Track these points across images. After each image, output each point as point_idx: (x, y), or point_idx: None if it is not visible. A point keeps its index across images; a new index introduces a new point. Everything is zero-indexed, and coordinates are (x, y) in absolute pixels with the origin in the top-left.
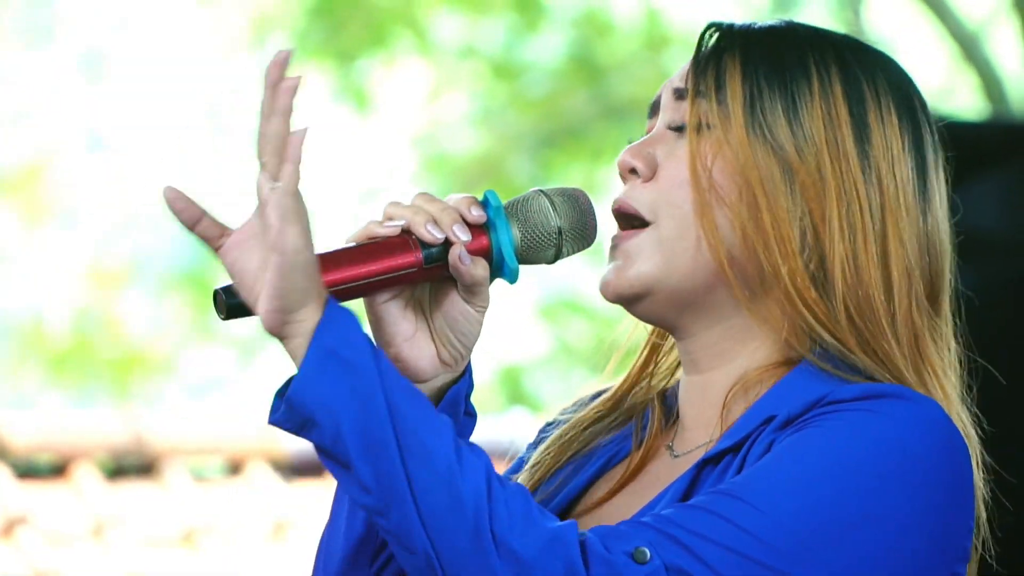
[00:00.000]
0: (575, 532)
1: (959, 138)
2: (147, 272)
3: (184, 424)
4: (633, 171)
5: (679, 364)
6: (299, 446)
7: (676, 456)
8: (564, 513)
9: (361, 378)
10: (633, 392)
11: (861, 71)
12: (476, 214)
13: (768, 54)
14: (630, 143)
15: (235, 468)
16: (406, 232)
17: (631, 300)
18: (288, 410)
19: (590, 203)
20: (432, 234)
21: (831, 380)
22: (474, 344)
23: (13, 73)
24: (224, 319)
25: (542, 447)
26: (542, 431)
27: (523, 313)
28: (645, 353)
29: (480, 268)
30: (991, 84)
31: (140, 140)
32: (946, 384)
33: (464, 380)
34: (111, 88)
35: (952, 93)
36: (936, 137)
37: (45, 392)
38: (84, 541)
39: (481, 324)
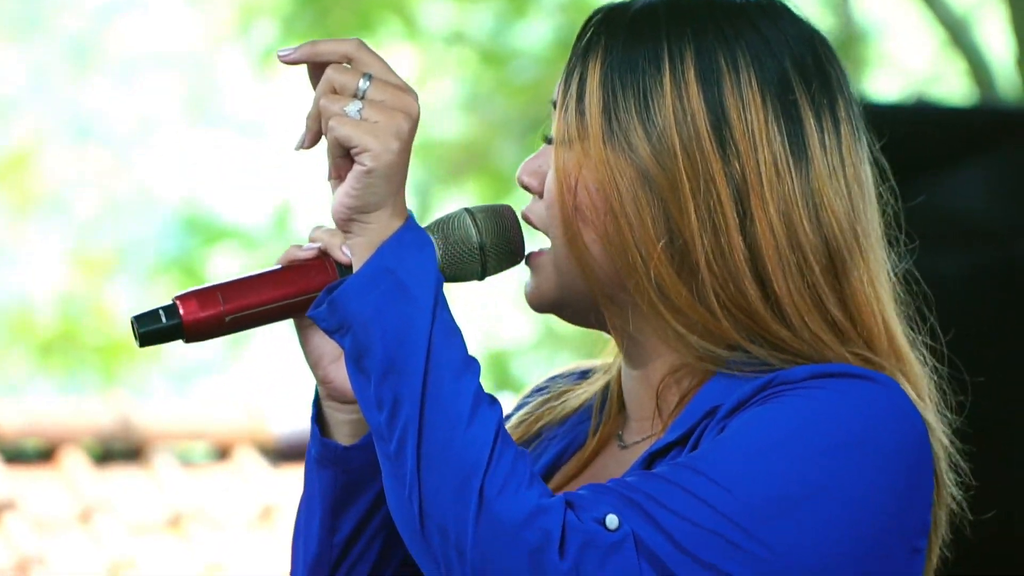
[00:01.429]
0: (561, 506)
1: (948, 124)
2: (134, 259)
3: (171, 410)
4: (527, 187)
5: None
6: (286, 431)
7: (624, 447)
8: None
9: (415, 309)
10: (599, 378)
11: (719, 43)
12: None
13: (625, 48)
14: (547, 139)
15: (222, 453)
16: (323, 254)
17: (550, 311)
18: (329, 310)
19: (516, 219)
20: (346, 255)
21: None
22: None
23: (0, 62)
24: (140, 347)
25: (522, 413)
26: (517, 408)
27: (509, 299)
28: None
29: None
30: (979, 70)
31: (127, 128)
32: (880, 350)
33: None
34: (98, 77)
35: (940, 79)
36: (820, 86)
37: (32, 378)
38: (71, 526)
39: None
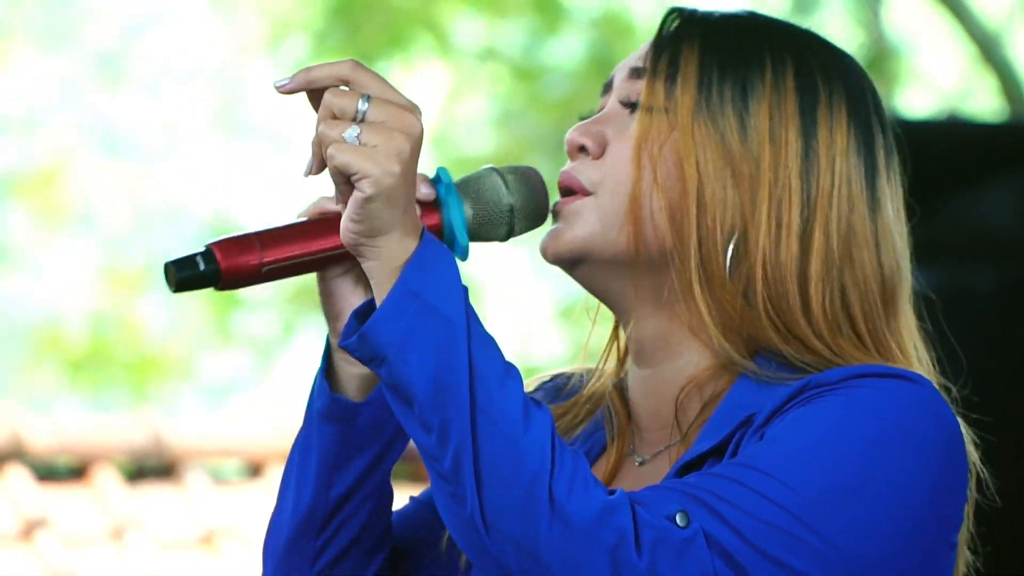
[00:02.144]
0: (627, 503)
1: (979, 140)
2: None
3: (203, 426)
4: (582, 148)
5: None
6: None
7: (642, 463)
8: None
9: (449, 328)
10: (594, 380)
11: (818, 68)
12: (425, 191)
13: (726, 43)
14: (581, 119)
15: (254, 470)
16: None
17: (569, 263)
18: (360, 342)
19: (542, 181)
20: None
21: (790, 376)
22: None
23: (29, 76)
24: (174, 291)
25: None
26: None
27: (542, 314)
28: (612, 342)
29: None
30: (1010, 85)
31: (156, 143)
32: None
33: None
34: (127, 91)
35: (971, 95)
36: (890, 141)
37: (62, 395)
38: (103, 544)
39: None
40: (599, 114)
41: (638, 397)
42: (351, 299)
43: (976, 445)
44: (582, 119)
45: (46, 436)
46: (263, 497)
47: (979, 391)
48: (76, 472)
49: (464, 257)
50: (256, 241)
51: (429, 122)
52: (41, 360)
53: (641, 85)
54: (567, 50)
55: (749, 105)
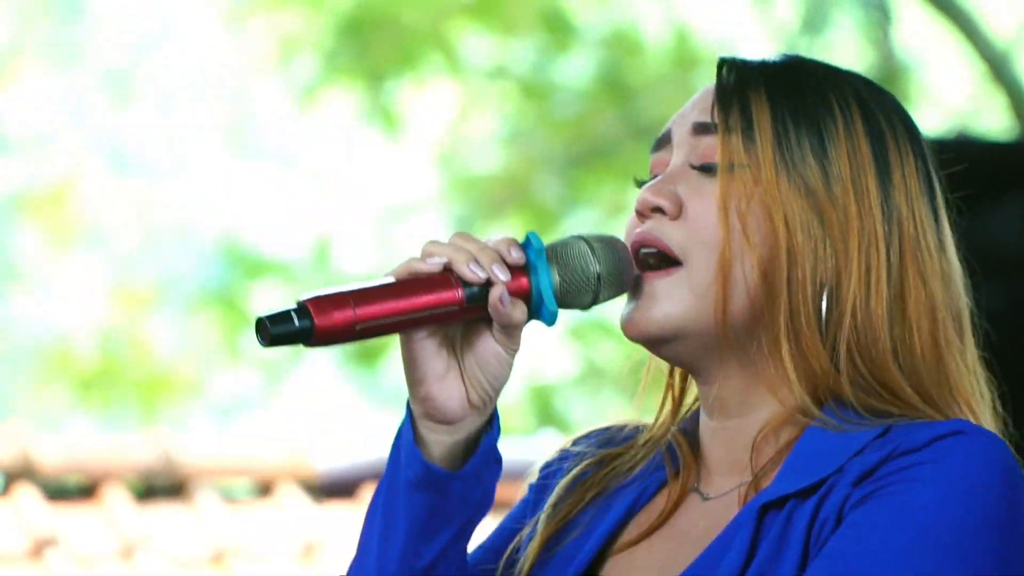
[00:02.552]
0: None
1: (988, 158)
2: (174, 293)
3: (213, 445)
4: (657, 209)
5: (696, 402)
6: (329, 467)
7: (707, 499)
8: (598, 556)
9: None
10: (651, 430)
11: (879, 110)
12: (516, 256)
13: (791, 90)
14: (640, 183)
15: (265, 489)
16: (447, 270)
17: (657, 342)
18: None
19: (628, 251)
20: (474, 273)
21: (871, 425)
22: (503, 387)
23: (39, 94)
24: (266, 347)
25: (560, 489)
26: (545, 469)
27: (553, 333)
28: (668, 393)
29: (519, 311)
30: (1019, 104)
31: (166, 161)
32: (980, 415)
33: (496, 427)
34: (137, 109)
35: (980, 113)
36: (939, 177)
37: (72, 414)
38: (113, 563)
39: (511, 367)
40: (665, 173)
41: (709, 444)
42: (434, 362)
43: None
44: (640, 183)
45: (56, 455)
46: (272, 516)
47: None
48: (86, 491)
49: (551, 323)
50: (350, 299)
51: (439, 141)
52: (51, 379)
53: (709, 141)
54: (576, 68)
55: (828, 152)
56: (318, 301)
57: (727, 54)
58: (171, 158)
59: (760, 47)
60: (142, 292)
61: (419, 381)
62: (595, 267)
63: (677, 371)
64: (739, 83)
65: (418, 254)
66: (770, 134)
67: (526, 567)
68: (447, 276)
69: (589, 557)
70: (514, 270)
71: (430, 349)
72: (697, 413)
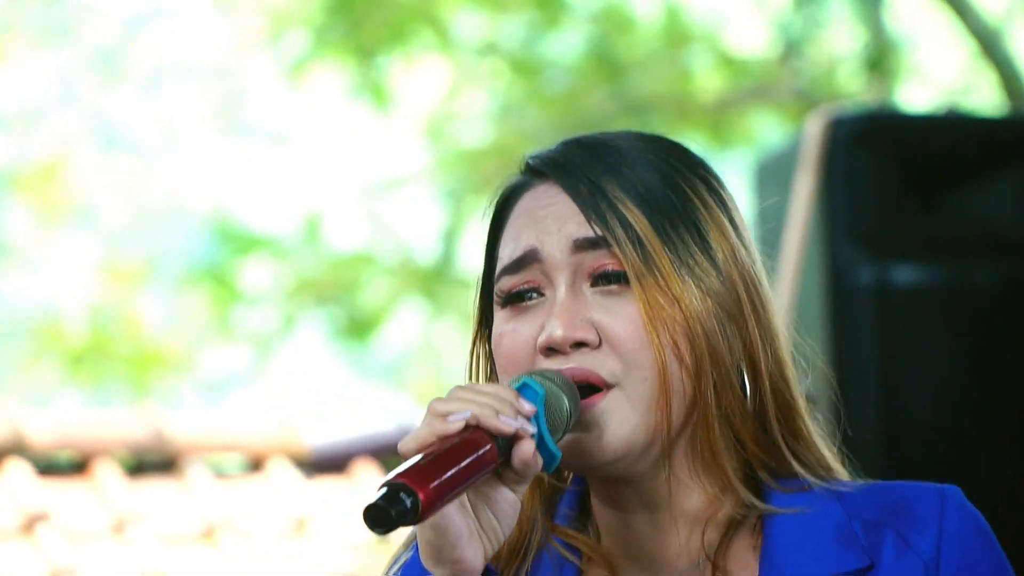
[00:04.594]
0: None
1: (979, 135)
2: (164, 269)
3: (204, 421)
4: (579, 344)
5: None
6: (319, 442)
7: None
8: None
9: None
10: (517, 530)
11: (702, 168)
12: (529, 408)
13: (641, 183)
14: (505, 302)
15: (255, 464)
16: (470, 427)
17: (609, 464)
18: None
19: (572, 382)
20: (509, 425)
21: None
22: (510, 531)
23: (29, 72)
24: (383, 534)
25: None
26: None
27: None
28: (533, 499)
29: (540, 459)
30: (1010, 81)
31: (156, 138)
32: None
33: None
34: (127, 86)
35: (971, 90)
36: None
37: (62, 390)
38: (105, 538)
39: (518, 510)
40: (565, 300)
41: (628, 537)
42: (460, 524)
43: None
44: (505, 302)
45: (47, 431)
46: (263, 491)
47: (980, 386)
48: (77, 467)
49: (552, 469)
50: (430, 467)
51: (429, 116)
52: (41, 355)
53: (596, 256)
54: (567, 45)
55: (708, 240)
56: (410, 475)
57: (531, 157)
58: (161, 135)
59: (753, 25)
60: (132, 268)
61: (451, 546)
62: (567, 404)
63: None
64: (598, 191)
65: (427, 417)
66: (656, 241)
67: None
68: (477, 433)
69: None
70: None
71: (455, 512)
72: (564, 505)
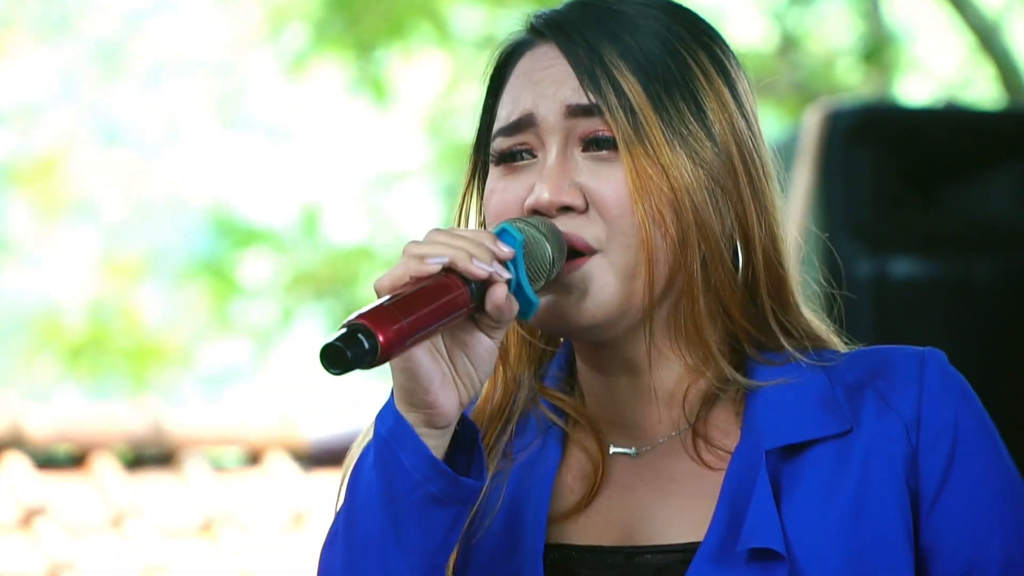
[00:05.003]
0: None
1: (978, 129)
2: (163, 263)
3: (203, 415)
4: (565, 208)
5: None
6: (318, 436)
7: (639, 453)
8: (546, 531)
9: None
10: (503, 391)
11: (704, 32)
12: (506, 251)
13: (639, 48)
14: (499, 160)
15: (254, 458)
16: (446, 270)
17: (588, 330)
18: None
19: (559, 230)
20: (482, 269)
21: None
22: (488, 379)
23: (29, 66)
24: (340, 374)
25: None
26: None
27: None
28: (502, 352)
29: (515, 303)
30: (1008, 74)
31: (155, 132)
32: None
33: (471, 424)
34: (126, 81)
35: (969, 83)
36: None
37: (61, 383)
38: (103, 532)
39: (496, 357)
40: (554, 162)
41: (609, 400)
42: (432, 369)
43: None
44: (499, 160)
45: (46, 425)
46: (262, 485)
47: (978, 379)
48: (76, 460)
49: (529, 316)
50: (396, 312)
51: (428, 110)
52: (41, 349)
53: (589, 123)
54: None
55: (704, 109)
56: (371, 317)
57: (536, 16)
58: (161, 130)
59: (751, 18)
60: (131, 262)
61: (424, 389)
62: (550, 252)
63: (512, 335)
64: (595, 56)
65: (403, 257)
66: (650, 108)
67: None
68: (450, 277)
69: (542, 534)
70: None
71: (428, 355)
72: (554, 368)
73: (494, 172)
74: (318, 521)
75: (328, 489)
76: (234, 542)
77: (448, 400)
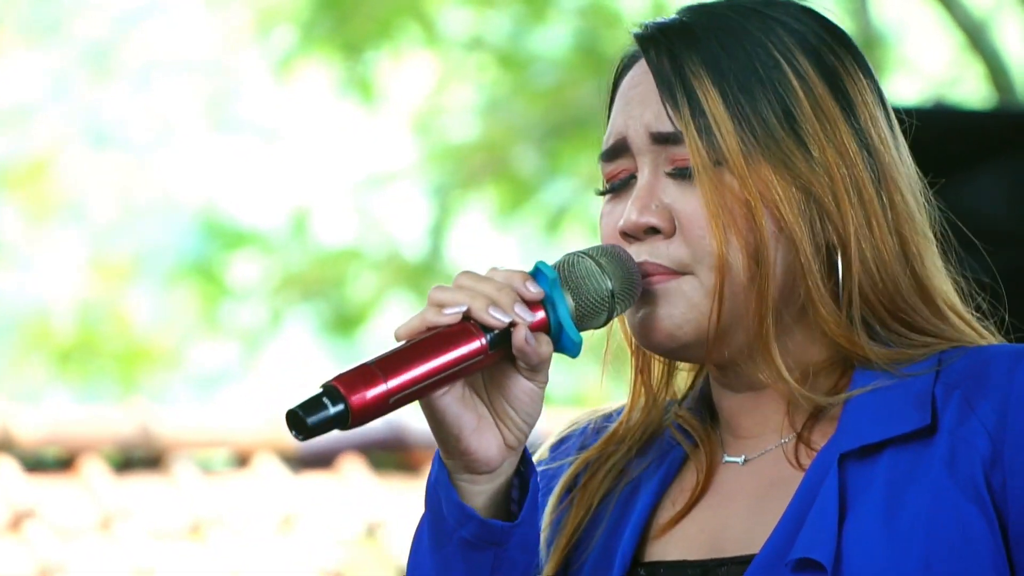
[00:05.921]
0: None
1: (966, 127)
2: (152, 265)
3: (191, 417)
4: (651, 230)
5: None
6: None
7: (747, 462)
8: (640, 543)
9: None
10: (630, 418)
11: (816, 39)
12: (535, 291)
13: (727, 59)
14: (601, 192)
15: (242, 460)
16: (464, 318)
17: (681, 348)
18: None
19: (632, 259)
20: (497, 319)
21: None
22: (536, 421)
23: (19, 68)
24: (303, 439)
25: (552, 509)
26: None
27: None
28: (644, 377)
29: (545, 346)
30: (998, 73)
31: (145, 134)
32: (966, 315)
33: (531, 463)
34: (116, 83)
35: (959, 82)
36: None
37: (51, 386)
38: (92, 534)
39: (543, 399)
40: (642, 189)
41: (734, 413)
42: (464, 415)
43: None
44: (601, 192)
45: (34, 427)
46: (250, 487)
47: None
48: (64, 463)
49: (576, 354)
50: (377, 370)
51: (417, 111)
52: (30, 351)
53: (674, 149)
54: (554, 39)
55: (795, 115)
56: (346, 379)
57: (637, 27)
58: (151, 131)
59: None
60: (121, 264)
61: (455, 438)
62: (607, 284)
63: (656, 361)
64: (677, 71)
65: (427, 304)
66: (729, 124)
67: None
68: (466, 325)
69: (630, 550)
70: (531, 304)
71: (456, 402)
72: (695, 391)
73: (606, 196)
74: (306, 523)
75: (316, 491)
76: (223, 544)
77: (486, 446)
